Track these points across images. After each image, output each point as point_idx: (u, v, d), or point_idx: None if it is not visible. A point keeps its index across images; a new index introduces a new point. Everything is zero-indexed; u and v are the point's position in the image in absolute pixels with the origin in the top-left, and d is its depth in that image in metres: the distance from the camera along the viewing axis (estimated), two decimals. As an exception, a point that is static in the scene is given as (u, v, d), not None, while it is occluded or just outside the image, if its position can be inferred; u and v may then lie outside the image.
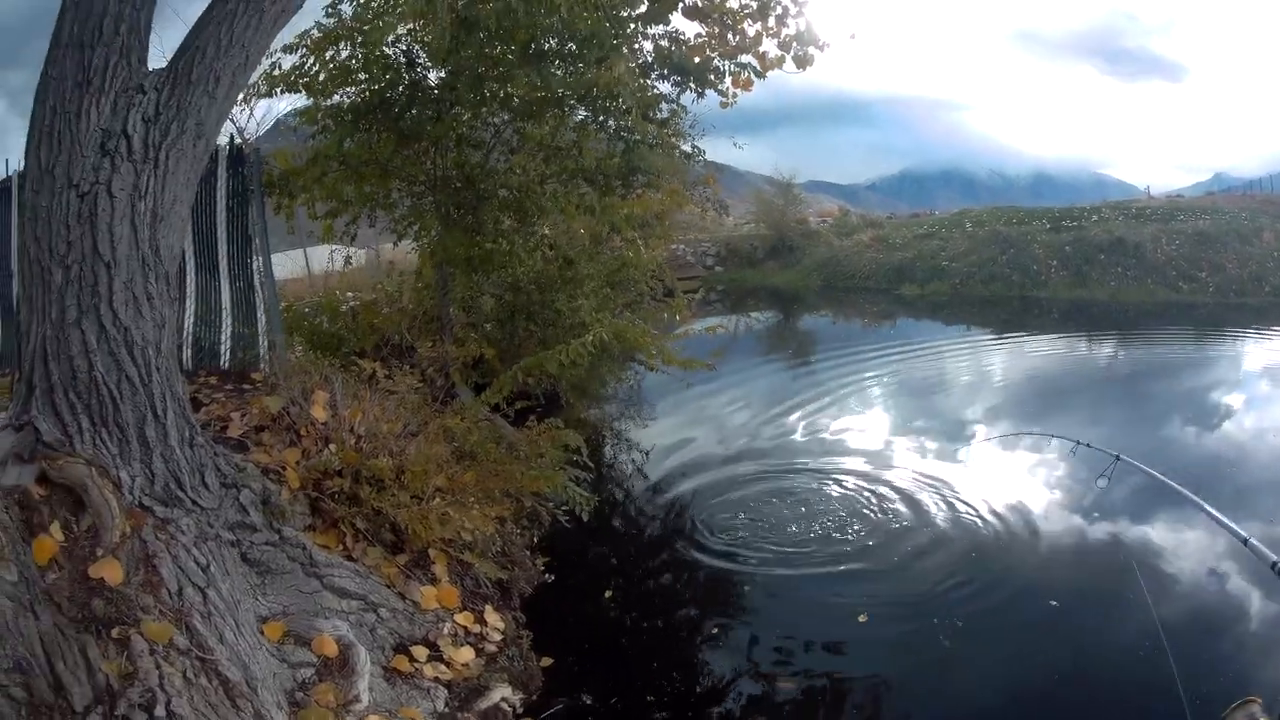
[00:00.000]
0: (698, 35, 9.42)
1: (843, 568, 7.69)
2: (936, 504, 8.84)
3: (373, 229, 12.58)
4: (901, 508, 8.80)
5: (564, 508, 7.93)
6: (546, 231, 11.51)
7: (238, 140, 8.59)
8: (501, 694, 5.62)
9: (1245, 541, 3.71)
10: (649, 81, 10.11)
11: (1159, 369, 15.33)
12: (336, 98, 9.91)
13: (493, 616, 6.38)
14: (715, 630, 7.00)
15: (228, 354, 7.92)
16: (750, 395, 14.30)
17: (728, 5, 8.59)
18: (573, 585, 7.74)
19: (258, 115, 11.73)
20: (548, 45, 9.19)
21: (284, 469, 6.06)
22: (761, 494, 9.35)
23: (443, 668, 5.64)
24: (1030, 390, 14.05)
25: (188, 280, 7.77)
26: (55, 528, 4.34)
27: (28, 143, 4.82)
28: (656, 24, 9.52)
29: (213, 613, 4.47)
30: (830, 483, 9.59)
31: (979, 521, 8.44)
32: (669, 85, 10.28)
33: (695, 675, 6.46)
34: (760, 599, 7.42)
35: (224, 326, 7.93)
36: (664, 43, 9.76)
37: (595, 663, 6.53)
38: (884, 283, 26.60)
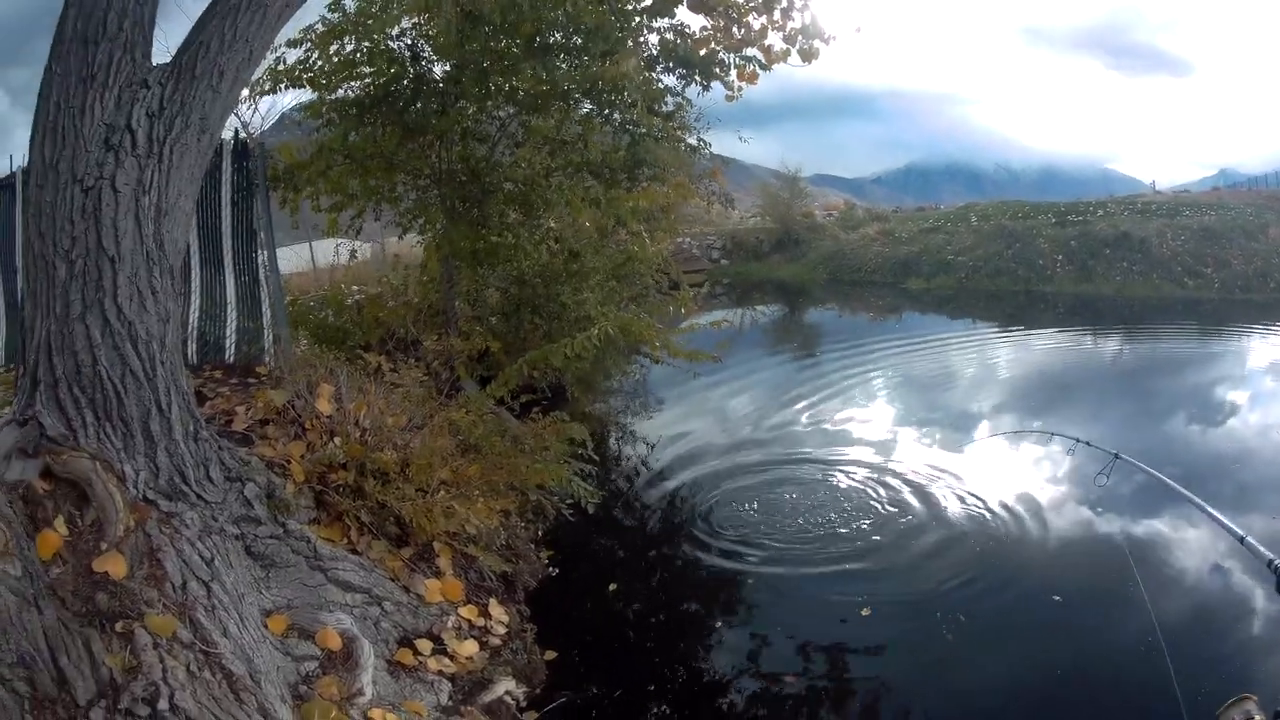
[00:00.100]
0: (703, 28, 9.40)
1: (846, 562, 7.69)
2: (939, 500, 8.84)
3: (378, 222, 12.58)
4: (905, 503, 8.80)
5: (569, 501, 7.94)
6: (552, 225, 11.50)
7: (242, 135, 8.58)
8: (505, 687, 5.63)
9: (1242, 540, 3.72)
10: (654, 74, 10.11)
11: (1164, 365, 15.29)
12: (341, 92, 9.91)
13: (497, 610, 6.39)
14: (719, 624, 7.02)
15: (232, 348, 7.93)
16: (756, 389, 14.30)
17: (733, -2, 8.59)
18: (577, 579, 7.75)
19: (262, 110, 11.72)
20: (553, 39, 9.20)
21: (289, 462, 6.06)
22: (766, 488, 9.35)
23: (446, 661, 5.65)
24: (1035, 386, 14.00)
25: (192, 275, 7.77)
26: (59, 522, 4.36)
27: (31, 138, 4.83)
28: (662, 17, 9.53)
29: (217, 606, 4.47)
30: (834, 477, 9.59)
31: (981, 517, 8.44)
32: (674, 78, 10.29)
33: (699, 669, 6.47)
34: (764, 593, 7.42)
35: (229, 320, 7.93)
36: (669, 36, 9.76)
37: (599, 656, 6.54)
38: (889, 277, 26.53)
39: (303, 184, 10.18)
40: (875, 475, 9.54)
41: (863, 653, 6.41)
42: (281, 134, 12.79)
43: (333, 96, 9.94)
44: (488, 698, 5.51)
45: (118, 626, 3.96)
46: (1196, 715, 3.37)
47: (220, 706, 3.94)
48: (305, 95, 10.54)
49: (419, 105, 9.83)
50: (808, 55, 8.64)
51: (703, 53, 9.48)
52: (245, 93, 9.27)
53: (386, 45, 9.49)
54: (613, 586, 7.56)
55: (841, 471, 9.74)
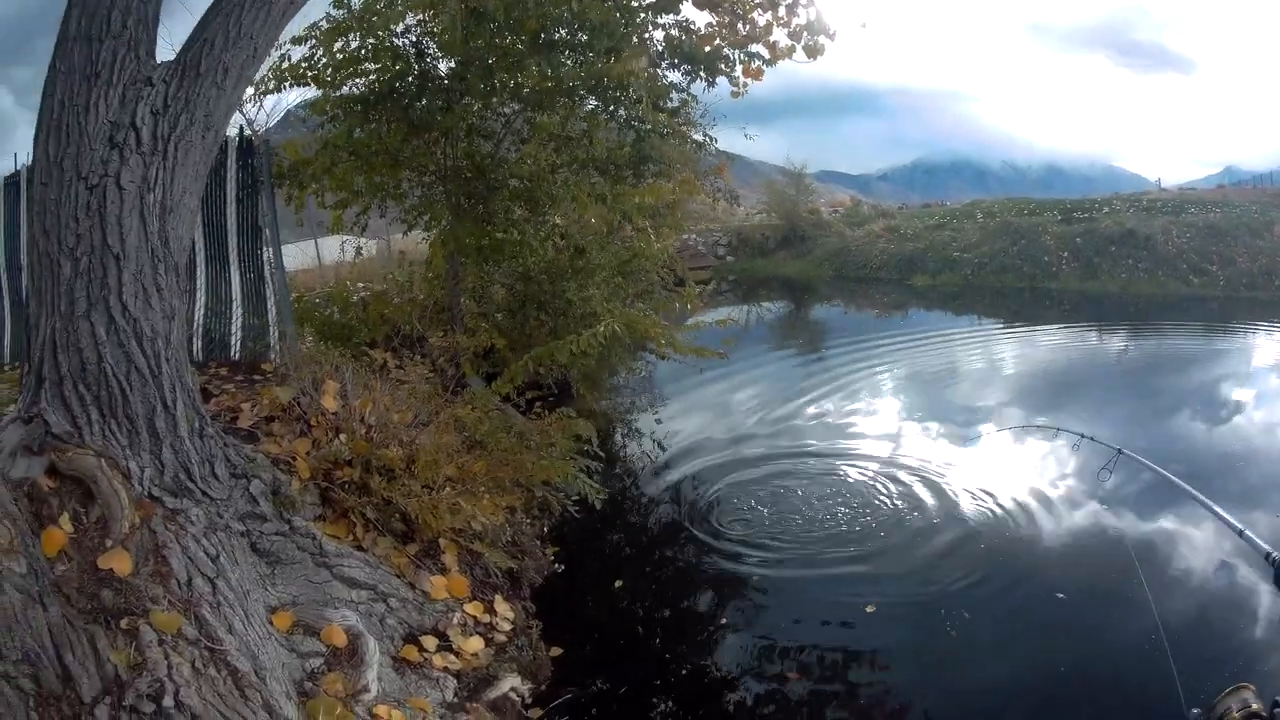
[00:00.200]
0: (708, 25, 9.41)
1: (851, 558, 7.70)
2: (943, 496, 8.83)
3: (383, 219, 12.59)
4: (910, 501, 8.79)
5: (574, 497, 7.95)
6: (558, 221, 11.50)
7: (247, 132, 8.59)
8: (511, 684, 5.64)
9: (1241, 533, 3.76)
10: (659, 71, 10.11)
11: (1169, 362, 15.24)
12: (345, 89, 9.91)
13: (502, 606, 6.39)
14: (724, 620, 7.02)
15: (238, 345, 7.94)
16: (762, 385, 14.28)
17: (739, -6, 8.61)
18: (583, 575, 7.76)
19: (267, 107, 11.74)
20: (558, 35, 9.19)
21: (294, 459, 6.06)
22: (772, 484, 9.36)
23: (452, 657, 5.65)
24: (1040, 383, 13.97)
25: (198, 272, 7.79)
26: (64, 519, 4.37)
27: (36, 136, 4.84)
28: (667, 13, 9.54)
29: (222, 603, 4.48)
30: (840, 473, 9.59)
31: (985, 514, 8.44)
32: (679, 74, 10.29)
33: (704, 665, 6.47)
34: (769, 589, 7.41)
35: (234, 318, 7.95)
36: (674, 32, 9.76)
37: (604, 653, 6.55)
38: (895, 273, 26.45)
39: (308, 180, 10.19)
40: (880, 472, 9.53)
41: (867, 649, 6.41)
42: (287, 131, 12.81)
43: (337, 94, 9.94)
44: (493, 694, 5.52)
45: (123, 623, 3.97)
46: (1197, 707, 3.38)
47: (225, 703, 3.94)
48: (310, 92, 10.56)
49: (424, 102, 9.82)
50: (813, 51, 8.64)
51: (708, 49, 9.48)
52: (250, 90, 9.27)
53: (391, 42, 9.49)
54: (618, 583, 7.58)
55: (846, 468, 9.74)
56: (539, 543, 7.90)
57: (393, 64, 9.56)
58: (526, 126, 10.97)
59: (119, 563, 4.26)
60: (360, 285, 14.19)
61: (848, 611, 6.84)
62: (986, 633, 6.52)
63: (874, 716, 5.79)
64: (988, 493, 8.84)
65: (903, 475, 9.40)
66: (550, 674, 6.05)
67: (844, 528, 8.25)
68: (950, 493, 8.88)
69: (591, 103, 10.42)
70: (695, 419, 12.52)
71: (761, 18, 8.78)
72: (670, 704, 5.89)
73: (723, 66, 9.67)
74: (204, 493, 5.02)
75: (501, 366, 9.86)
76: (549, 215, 11.11)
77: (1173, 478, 4.58)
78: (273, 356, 7.83)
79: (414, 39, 9.75)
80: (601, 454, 8.73)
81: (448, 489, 6.50)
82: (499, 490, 7.07)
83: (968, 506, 8.58)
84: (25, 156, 8.21)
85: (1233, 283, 21.74)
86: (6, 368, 8.89)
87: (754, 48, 9.18)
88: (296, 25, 9.21)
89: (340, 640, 5.04)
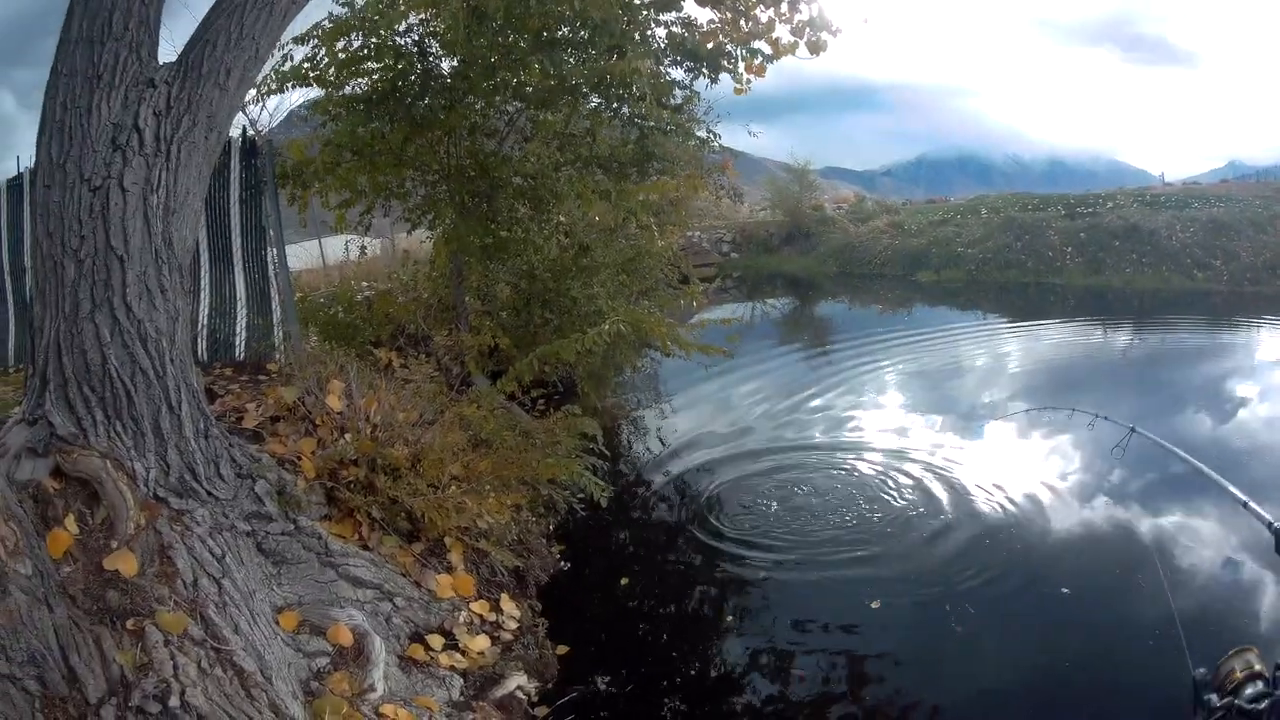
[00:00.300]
0: (710, 21, 9.42)
1: (858, 553, 7.67)
2: (950, 490, 8.81)
3: (387, 218, 12.59)
4: (919, 492, 8.78)
5: (580, 496, 7.93)
6: (562, 219, 11.49)
7: (250, 132, 8.59)
8: (517, 682, 5.63)
9: (1244, 504, 3.89)
10: (662, 68, 10.10)
11: (1174, 357, 15.22)
12: (348, 88, 9.90)
13: (508, 604, 6.40)
14: (731, 617, 7.01)
15: (243, 345, 7.96)
16: (767, 381, 14.27)
17: (740, -10, 8.62)
18: (589, 573, 7.76)
19: (270, 107, 11.77)
20: (560, 33, 9.19)
21: (299, 459, 6.07)
22: (778, 480, 9.36)
23: (458, 656, 5.66)
24: (1045, 379, 13.95)
25: (202, 272, 7.80)
26: (70, 521, 4.38)
27: (38, 138, 4.85)
28: (668, 11, 9.53)
29: (228, 603, 4.49)
30: (846, 468, 9.60)
31: (994, 505, 8.45)
32: (682, 71, 10.29)
33: (711, 663, 6.47)
34: (775, 584, 7.41)
35: (239, 318, 7.96)
36: (677, 29, 9.76)
37: (611, 651, 6.54)
38: (900, 269, 26.45)
39: (311, 180, 10.18)
40: (887, 467, 9.52)
41: (873, 644, 6.39)
42: (290, 131, 12.83)
43: (340, 93, 9.93)
44: (499, 693, 5.52)
45: (129, 624, 3.98)
46: (1203, 667, 3.42)
47: (231, 703, 3.95)
48: (313, 92, 10.56)
49: (427, 101, 9.80)
50: (815, 48, 8.65)
51: (710, 46, 9.49)
52: (252, 91, 9.28)
53: (393, 41, 9.48)
54: (624, 581, 7.58)
55: (853, 462, 9.75)
56: (545, 541, 7.91)
57: (395, 63, 9.55)
58: (530, 125, 10.97)
59: (124, 564, 4.27)
60: (364, 284, 14.21)
61: (855, 605, 6.83)
62: (995, 626, 6.52)
63: (882, 712, 5.79)
64: (998, 486, 8.88)
65: (910, 468, 9.40)
66: (556, 672, 6.04)
67: (851, 523, 8.24)
68: (957, 486, 8.87)
69: (595, 100, 10.41)
70: (700, 416, 12.53)
71: (764, 14, 8.78)
72: (677, 701, 5.89)
73: (725, 63, 9.68)
74: (209, 493, 5.03)
75: (506, 365, 9.84)
76: (553, 213, 11.10)
77: (1181, 453, 4.66)
78: (277, 356, 7.84)
79: (416, 38, 9.73)
80: (607, 452, 8.74)
81: (453, 488, 6.51)
82: (505, 488, 7.06)
83: (975, 500, 8.58)
84: (28, 159, 8.23)
85: (1236, 277, 21.70)
86: (11, 370, 8.91)
87: (757, 44, 9.18)
88: (298, 25, 9.22)
89: (346, 639, 5.04)
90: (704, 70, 10.01)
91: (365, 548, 5.95)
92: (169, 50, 5.21)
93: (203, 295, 7.80)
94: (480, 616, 6.13)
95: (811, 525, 8.23)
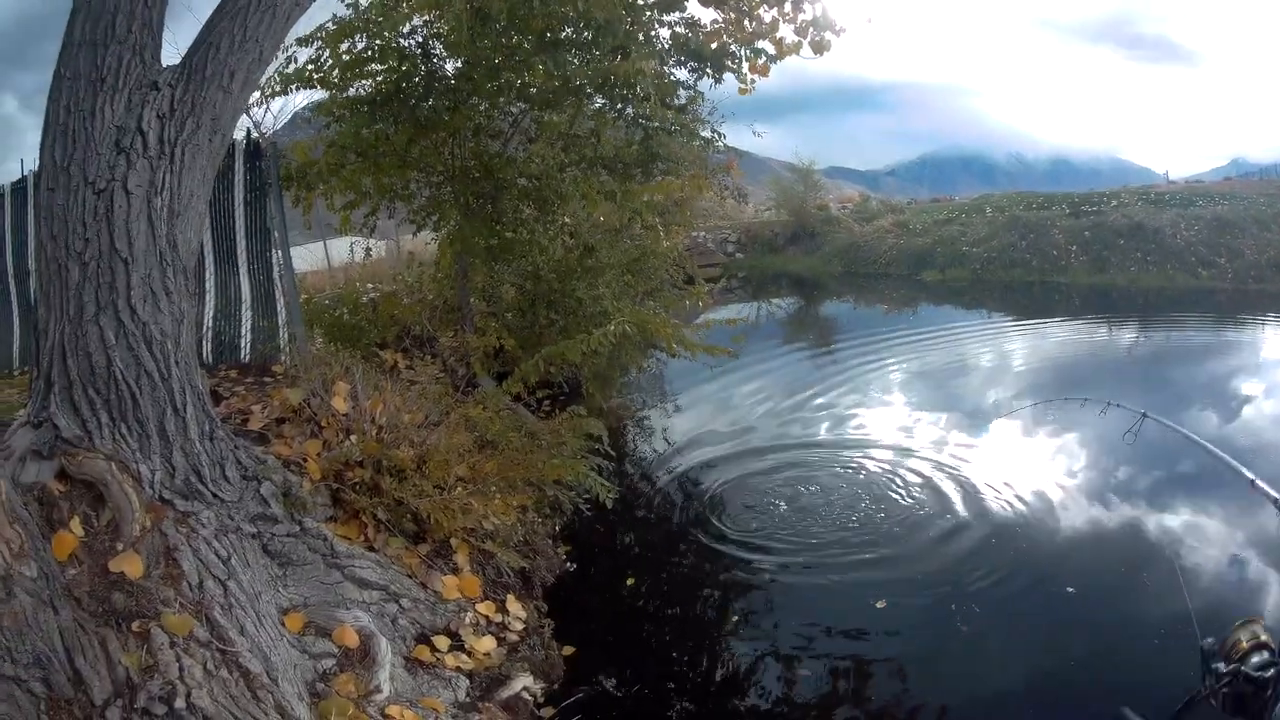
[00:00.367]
0: (714, 21, 9.43)
1: (865, 553, 7.68)
2: (960, 484, 8.86)
3: (391, 220, 12.60)
4: (925, 490, 8.80)
5: (586, 496, 7.93)
6: (567, 220, 11.49)
7: (254, 134, 8.59)
8: (523, 683, 5.63)
9: (1252, 483, 4.04)
10: (666, 68, 10.10)
11: (1180, 356, 15.21)
12: (352, 90, 9.91)
13: (514, 605, 6.39)
14: (737, 618, 7.01)
15: (248, 347, 7.96)
16: (772, 381, 14.27)
17: (744, -10, 8.63)
18: (594, 574, 7.77)
19: (274, 109, 11.78)
20: (564, 34, 9.19)
21: (305, 461, 6.07)
22: (783, 479, 9.36)
23: (464, 657, 5.65)
24: (1051, 377, 13.93)
25: (207, 274, 7.81)
26: (75, 523, 4.38)
27: (42, 141, 4.85)
28: (672, 11, 9.53)
29: (233, 605, 4.49)
30: (852, 467, 9.60)
31: (1004, 500, 8.48)
32: (686, 72, 10.29)
33: (717, 663, 6.46)
34: (782, 585, 7.41)
35: (244, 320, 7.96)
36: (680, 29, 9.76)
37: (617, 651, 6.54)
38: (905, 268, 26.48)
39: (315, 182, 10.19)
40: (893, 466, 9.52)
41: (878, 645, 6.39)
42: (294, 133, 12.84)
43: (344, 95, 9.94)
44: (505, 694, 5.51)
45: (134, 626, 3.98)
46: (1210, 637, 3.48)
47: (237, 705, 3.95)
48: (317, 94, 10.57)
49: (431, 102, 9.81)
50: (819, 47, 8.65)
51: (714, 46, 9.49)
52: (256, 93, 9.28)
53: (397, 43, 9.48)
54: (630, 581, 7.58)
55: (859, 460, 9.76)
56: (551, 542, 7.91)
57: (399, 65, 9.55)
58: (534, 126, 10.98)
59: (130, 566, 4.27)
60: (370, 286, 14.23)
61: (860, 605, 6.83)
62: (1001, 624, 6.52)
63: (888, 712, 5.78)
64: (1006, 484, 8.91)
65: (915, 471, 9.38)
66: (563, 673, 6.04)
67: (856, 522, 8.24)
68: (964, 485, 8.89)
69: (599, 101, 10.41)
70: (706, 416, 12.53)
71: (768, 14, 8.79)
72: (683, 702, 5.88)
73: (729, 63, 9.69)
74: (215, 495, 5.03)
75: (512, 366, 9.86)
76: (558, 214, 11.10)
77: (1191, 434, 4.75)
78: (283, 358, 7.84)
79: (420, 39, 9.74)
80: (612, 452, 8.75)
81: (459, 489, 6.51)
82: (510, 490, 7.06)
83: (983, 498, 8.60)
84: (31, 162, 8.25)
85: (1240, 275, 21.69)
86: (16, 372, 8.93)
87: (760, 44, 9.20)
88: (302, 27, 9.22)
89: (352, 641, 5.04)
90: (708, 70, 10.02)
91: (371, 549, 5.94)
92: (172, 53, 5.22)
93: (208, 297, 7.80)
94: (486, 617, 6.13)
95: (817, 525, 8.23)
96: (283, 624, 4.89)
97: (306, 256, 16.41)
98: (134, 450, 4.77)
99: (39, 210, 4.95)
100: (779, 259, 29.11)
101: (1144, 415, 5.20)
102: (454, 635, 5.78)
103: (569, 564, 7.76)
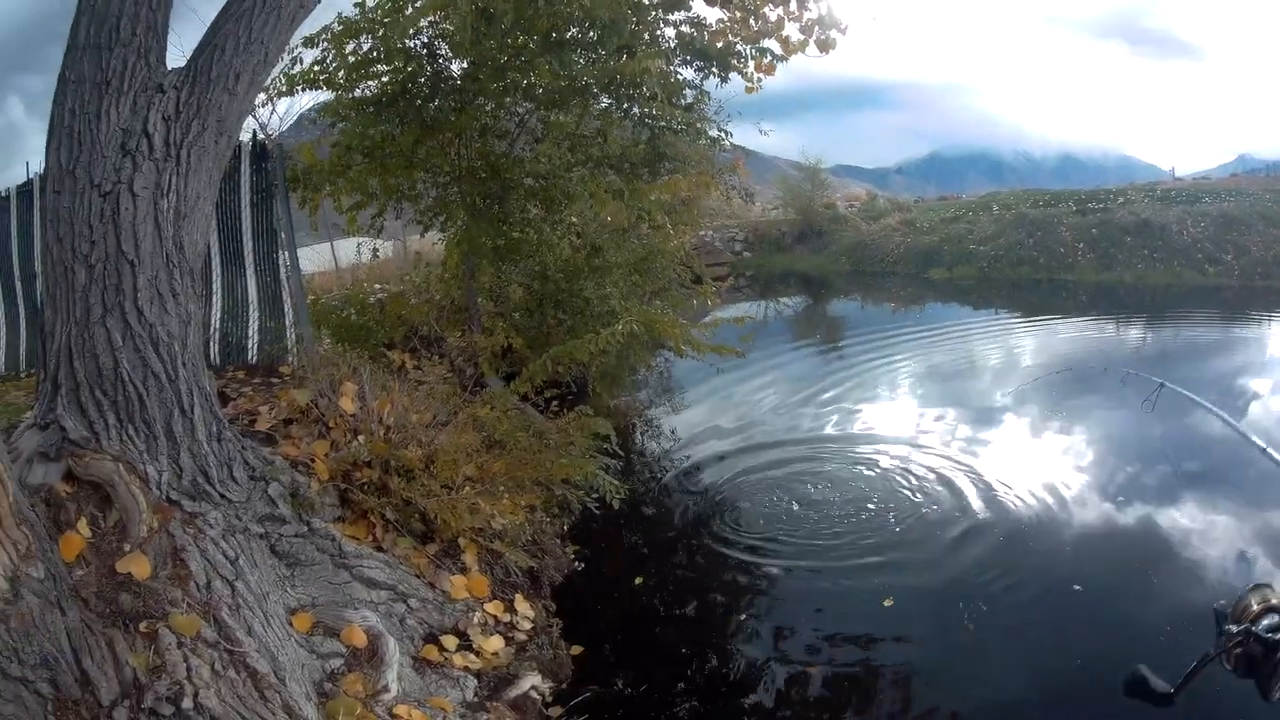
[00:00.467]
0: (719, 21, 9.43)
1: (873, 553, 7.63)
2: (965, 487, 8.77)
3: (398, 220, 12.61)
4: (932, 493, 8.73)
5: (594, 495, 7.93)
6: (574, 219, 11.49)
7: (260, 136, 8.61)
8: (531, 683, 5.63)
9: (1263, 450, 4.05)
10: (672, 68, 10.11)
11: (1187, 353, 15.15)
12: (358, 91, 9.92)
13: (522, 605, 6.40)
14: (745, 617, 6.98)
15: (255, 348, 7.97)
16: (780, 379, 14.23)
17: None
18: (603, 573, 7.74)
19: (280, 110, 11.81)
20: (569, 34, 9.19)
21: (313, 461, 6.08)
22: (791, 478, 9.32)
23: (472, 657, 5.66)
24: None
25: (214, 276, 7.84)
26: (82, 524, 4.39)
27: (48, 144, 4.87)
28: (677, 10, 9.53)
29: (241, 605, 4.50)
30: (861, 465, 9.56)
31: (1014, 495, 8.46)
32: (692, 71, 10.30)
33: (726, 662, 6.44)
34: (788, 584, 7.38)
35: (251, 321, 7.98)
36: (686, 29, 9.77)
37: (625, 651, 6.52)
38: (912, 266, 26.42)
39: (322, 183, 10.20)
40: (900, 465, 9.48)
41: (886, 644, 6.38)
42: (300, 134, 12.86)
43: (350, 96, 9.95)
44: (514, 693, 5.51)
45: (141, 626, 3.99)
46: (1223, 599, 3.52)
47: (245, 705, 3.96)
48: (323, 95, 10.58)
49: (437, 102, 9.83)
50: (825, 46, 8.67)
51: (720, 45, 9.49)
52: (262, 95, 9.30)
53: (403, 44, 9.49)
54: (639, 580, 7.56)
55: (865, 461, 9.71)
56: (559, 541, 7.89)
57: (405, 65, 9.56)
58: (540, 126, 10.98)
59: (137, 566, 4.28)
60: (377, 287, 14.25)
61: (869, 604, 6.80)
62: (1007, 623, 6.50)
63: (897, 710, 5.77)
64: (1015, 470, 9.02)
65: (928, 466, 9.34)
66: (571, 672, 6.03)
67: (864, 519, 8.21)
68: (973, 484, 8.82)
69: (605, 101, 10.42)
70: (713, 414, 12.49)
71: (773, 13, 8.80)
72: (692, 701, 5.86)
73: (735, 62, 9.70)
74: (222, 495, 5.05)
75: (519, 366, 9.86)
76: (565, 214, 11.10)
77: (1205, 404, 4.82)
78: (290, 359, 7.85)
79: (426, 40, 9.75)
80: (620, 451, 8.74)
81: (467, 489, 6.51)
82: (518, 489, 7.06)
83: (990, 496, 8.53)
84: (37, 165, 8.27)
85: (1247, 272, 21.63)
86: (23, 374, 8.95)
87: (766, 43, 9.21)
88: (308, 28, 9.24)
89: (360, 641, 5.05)
90: (714, 69, 10.03)
91: (379, 549, 5.95)
92: (177, 55, 5.23)
93: (215, 299, 7.83)
94: (494, 617, 6.13)
95: (826, 522, 8.20)
96: (290, 624, 4.90)
97: (313, 257, 16.42)
98: (141, 451, 4.79)
99: (45, 213, 4.97)
100: (786, 257, 29.10)
101: (1161, 385, 5.26)
102: (462, 635, 5.78)
103: (577, 563, 7.74)
